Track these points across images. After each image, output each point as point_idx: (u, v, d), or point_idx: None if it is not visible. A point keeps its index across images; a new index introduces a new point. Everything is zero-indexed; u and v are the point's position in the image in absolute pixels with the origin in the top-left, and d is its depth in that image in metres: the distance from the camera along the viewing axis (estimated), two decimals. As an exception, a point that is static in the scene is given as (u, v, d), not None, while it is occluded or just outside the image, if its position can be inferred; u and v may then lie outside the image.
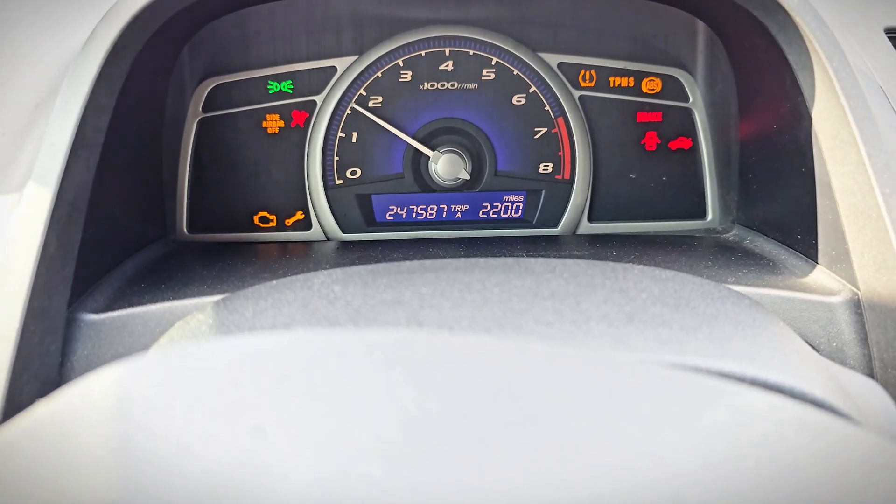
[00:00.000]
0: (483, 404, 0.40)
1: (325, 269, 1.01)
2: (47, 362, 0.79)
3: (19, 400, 0.74)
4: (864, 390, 0.66)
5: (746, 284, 0.92)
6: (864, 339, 0.87)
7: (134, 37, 0.90)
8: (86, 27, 0.95)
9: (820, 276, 0.94)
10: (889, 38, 0.99)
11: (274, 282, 0.76)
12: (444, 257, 1.08)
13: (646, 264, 1.03)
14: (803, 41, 0.91)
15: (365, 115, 1.23)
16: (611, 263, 0.78)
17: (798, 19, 0.90)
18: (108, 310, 0.87)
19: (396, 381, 0.41)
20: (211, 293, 0.90)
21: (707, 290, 0.73)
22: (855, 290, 0.88)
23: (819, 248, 0.96)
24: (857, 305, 0.88)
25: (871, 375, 0.87)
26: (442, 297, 0.64)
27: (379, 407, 0.39)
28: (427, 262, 0.77)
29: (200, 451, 0.36)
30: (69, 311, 0.85)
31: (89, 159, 0.87)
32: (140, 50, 0.92)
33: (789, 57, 0.93)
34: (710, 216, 1.28)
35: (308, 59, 1.24)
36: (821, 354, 0.88)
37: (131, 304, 0.88)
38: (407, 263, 0.77)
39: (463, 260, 0.78)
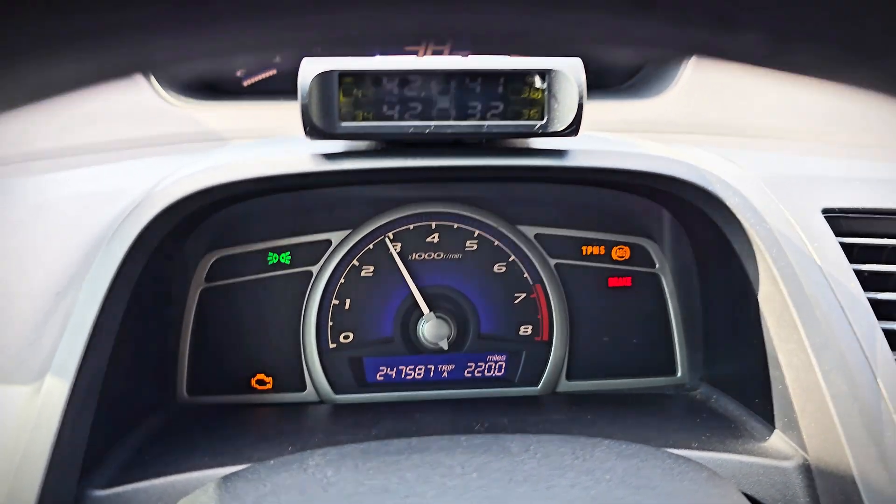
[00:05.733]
0: None
1: (319, 437, 1.08)
2: None
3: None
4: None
5: (709, 449, 0.99)
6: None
7: (155, 233, 1.00)
8: (109, 217, 1.05)
9: (776, 440, 1.02)
10: (826, 218, 1.09)
11: (272, 461, 0.84)
12: (431, 422, 1.15)
13: (619, 426, 1.11)
14: (745, 234, 1.02)
15: (357, 283, 1.33)
16: (581, 439, 0.86)
17: (739, 216, 1.01)
18: (113, 485, 0.93)
19: None
20: (212, 465, 0.97)
21: (668, 465, 0.81)
22: (805, 455, 0.96)
23: (774, 413, 1.04)
24: (808, 470, 0.94)
25: None
26: (426, 484, 0.72)
27: None
28: (413, 442, 0.85)
29: None
30: (78, 487, 0.92)
31: (105, 347, 0.96)
32: (157, 245, 1.02)
33: (735, 246, 1.04)
34: (679, 373, 1.36)
35: (305, 234, 1.35)
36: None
37: (136, 479, 0.94)
38: (395, 443, 0.85)
39: (446, 439, 0.85)
